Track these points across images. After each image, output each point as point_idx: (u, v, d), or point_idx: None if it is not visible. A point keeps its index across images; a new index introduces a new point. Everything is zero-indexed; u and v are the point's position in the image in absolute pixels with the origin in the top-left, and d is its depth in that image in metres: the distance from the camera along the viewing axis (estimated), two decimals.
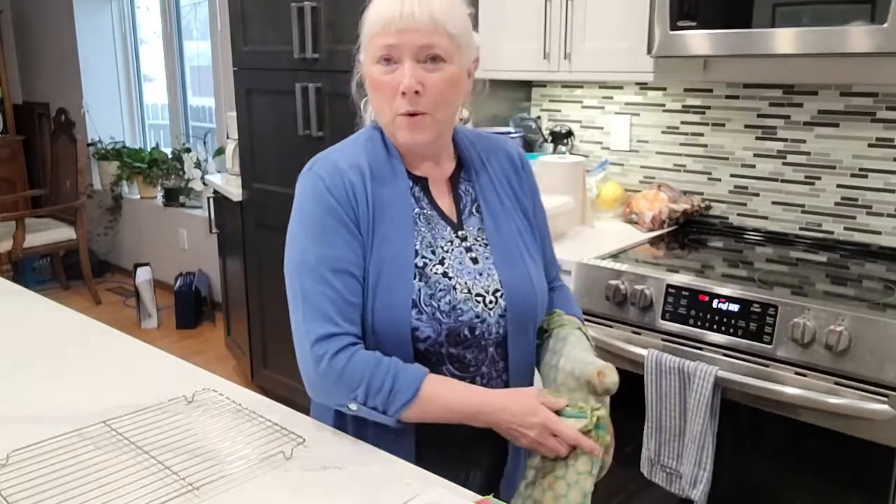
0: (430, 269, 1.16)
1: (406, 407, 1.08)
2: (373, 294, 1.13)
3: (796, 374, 1.65)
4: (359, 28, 1.16)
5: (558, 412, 1.13)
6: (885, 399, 1.54)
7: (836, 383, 1.60)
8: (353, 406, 1.10)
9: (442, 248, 1.19)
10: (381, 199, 1.16)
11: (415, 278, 1.14)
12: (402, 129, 1.15)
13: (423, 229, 1.18)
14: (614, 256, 2.06)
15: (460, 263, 1.19)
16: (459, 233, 1.22)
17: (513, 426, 1.12)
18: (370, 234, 1.14)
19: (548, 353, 1.27)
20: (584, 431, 1.11)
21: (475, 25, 1.20)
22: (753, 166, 2.33)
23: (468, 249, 1.21)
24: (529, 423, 1.11)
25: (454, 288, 1.16)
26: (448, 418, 1.12)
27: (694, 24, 1.96)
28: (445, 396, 1.12)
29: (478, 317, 1.17)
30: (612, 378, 1.15)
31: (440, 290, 1.15)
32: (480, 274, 1.19)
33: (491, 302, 1.19)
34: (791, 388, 1.64)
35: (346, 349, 1.09)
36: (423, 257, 1.16)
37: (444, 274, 1.16)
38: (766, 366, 1.69)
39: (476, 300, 1.17)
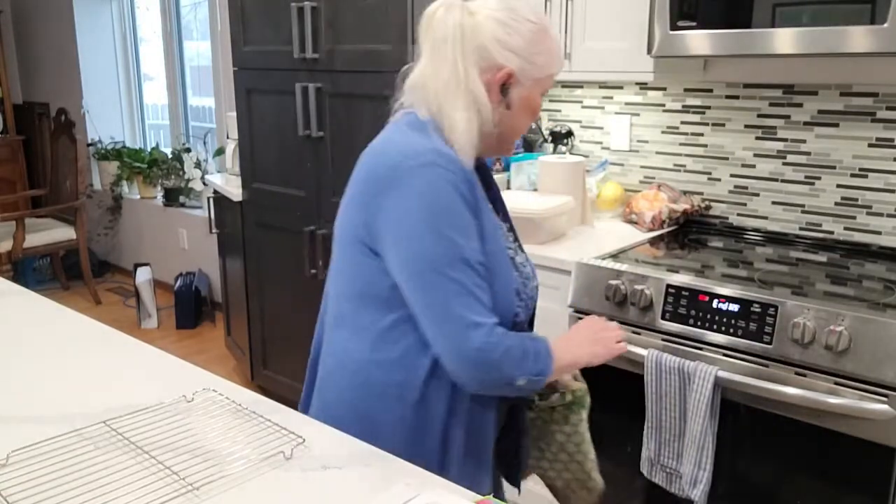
0: (517, 260, 1.26)
1: (550, 359, 1.19)
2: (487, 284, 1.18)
3: (796, 374, 1.65)
4: (534, 49, 1.20)
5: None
6: (884, 399, 1.54)
7: (836, 383, 1.60)
8: (522, 381, 1.16)
9: (509, 239, 1.28)
10: (479, 193, 1.20)
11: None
12: (514, 144, 1.31)
13: (496, 222, 1.25)
14: (614, 256, 2.06)
15: (517, 253, 1.29)
16: (506, 225, 1.31)
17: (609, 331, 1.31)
18: (480, 227, 1.17)
19: None
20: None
21: None
22: (753, 166, 2.33)
23: (515, 240, 1.32)
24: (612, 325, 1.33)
25: (530, 276, 1.28)
26: (568, 353, 1.25)
27: (694, 24, 1.96)
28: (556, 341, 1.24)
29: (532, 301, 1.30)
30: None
31: (526, 278, 1.26)
32: (526, 263, 1.31)
33: (535, 287, 1.31)
34: (791, 388, 1.64)
35: (506, 334, 1.16)
36: (510, 248, 1.25)
37: (522, 263, 1.27)
38: (766, 366, 1.69)
39: (534, 287, 1.30)
